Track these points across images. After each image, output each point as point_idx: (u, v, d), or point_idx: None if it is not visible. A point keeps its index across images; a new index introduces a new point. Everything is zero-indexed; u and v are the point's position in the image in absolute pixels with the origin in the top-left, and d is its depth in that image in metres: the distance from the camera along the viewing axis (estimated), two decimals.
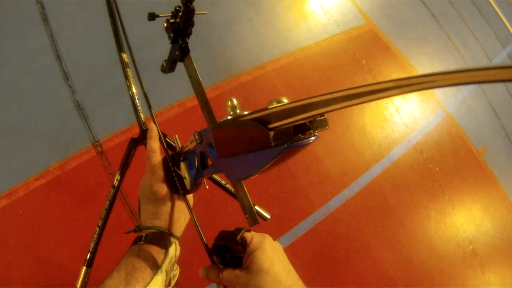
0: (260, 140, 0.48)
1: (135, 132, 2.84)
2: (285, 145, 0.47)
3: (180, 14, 0.88)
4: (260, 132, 0.48)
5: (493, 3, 6.92)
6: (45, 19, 3.26)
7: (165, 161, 0.86)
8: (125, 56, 1.46)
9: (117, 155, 2.77)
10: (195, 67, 0.93)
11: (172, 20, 0.90)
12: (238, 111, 0.57)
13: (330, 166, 3.27)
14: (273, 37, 3.82)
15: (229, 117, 0.57)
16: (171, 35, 0.92)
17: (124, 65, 1.45)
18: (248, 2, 3.95)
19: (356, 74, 3.93)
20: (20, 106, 2.88)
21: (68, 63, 3.11)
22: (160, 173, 0.84)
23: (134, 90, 1.42)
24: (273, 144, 0.47)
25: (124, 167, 1.47)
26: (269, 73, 3.50)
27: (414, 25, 5.03)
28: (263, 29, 3.79)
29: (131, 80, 1.44)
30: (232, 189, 1.26)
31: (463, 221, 3.72)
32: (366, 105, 3.76)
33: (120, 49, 1.45)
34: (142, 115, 1.39)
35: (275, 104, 0.48)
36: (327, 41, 4.03)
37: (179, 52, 0.94)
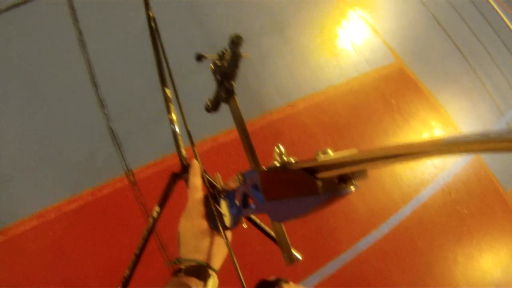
0: (309, 188, 0.51)
1: (168, 163, 2.89)
2: (331, 194, 0.50)
3: (227, 57, 0.90)
4: (309, 181, 0.50)
5: None
6: (82, 45, 3.35)
7: (206, 198, 0.89)
8: (168, 91, 1.48)
9: (149, 185, 2.82)
10: (240, 109, 0.94)
11: (219, 63, 0.93)
12: (285, 158, 0.59)
13: (359, 207, 3.26)
14: (305, 74, 3.86)
15: (277, 164, 0.59)
16: (218, 77, 0.95)
17: (167, 100, 1.47)
18: (282, 39, 4.01)
19: (386, 113, 3.93)
20: (56, 130, 2.93)
21: (104, 90, 3.17)
22: (202, 209, 0.87)
23: (177, 127, 1.43)
24: (320, 192, 0.49)
25: (164, 199, 1.45)
26: (300, 110, 3.53)
27: (443, 62, 5.04)
28: (296, 66, 3.84)
29: (174, 115, 1.46)
30: (267, 229, 1.29)
31: (490, 265, 3.67)
32: (392, 138, 3.81)
33: (163, 83, 1.48)
34: (183, 151, 1.40)
35: (321, 155, 0.50)
36: (357, 79, 4.06)
37: (225, 93, 0.96)
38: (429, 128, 4.13)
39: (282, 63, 3.83)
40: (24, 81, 3.16)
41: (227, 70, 0.91)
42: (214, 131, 3.13)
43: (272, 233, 1.41)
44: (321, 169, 0.49)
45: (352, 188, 0.51)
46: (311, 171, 0.50)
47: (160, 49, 1.43)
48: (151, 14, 1.49)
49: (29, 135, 2.91)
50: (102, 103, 3.11)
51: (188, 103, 1.50)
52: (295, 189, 0.54)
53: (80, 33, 3.42)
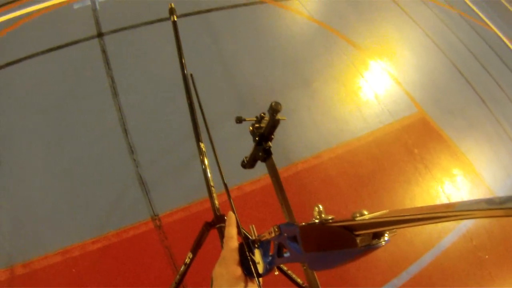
0: (348, 243, 0.59)
1: (194, 210, 3.05)
2: (367, 247, 0.58)
3: (265, 120, 1.02)
4: (348, 237, 0.58)
5: None
6: (115, 93, 3.60)
7: (240, 246, 0.93)
8: (202, 145, 1.61)
9: (175, 230, 2.94)
10: (276, 167, 1.05)
11: (257, 125, 1.04)
12: (323, 216, 0.66)
13: (380, 254, 3.31)
14: (330, 126, 4.05)
15: (316, 221, 0.66)
16: (257, 138, 1.04)
17: (202, 154, 1.59)
18: (308, 92, 4.24)
19: (408, 162, 4.06)
20: (85, 172, 3.12)
21: (135, 138, 3.37)
22: (236, 256, 0.90)
23: (211, 182, 1.57)
24: (359, 246, 0.58)
25: (196, 246, 1.60)
26: (325, 162, 3.71)
27: (464, 110, 5.14)
28: (320, 118, 4.04)
29: (208, 169, 1.58)
30: (293, 276, 1.46)
31: None
32: (417, 193, 3.90)
33: (198, 138, 1.60)
34: (216, 202, 1.54)
35: (358, 216, 0.58)
36: (380, 130, 4.22)
37: (263, 153, 1.06)
38: (451, 176, 4.21)
39: (307, 115, 4.04)
40: (57, 122, 3.40)
41: (265, 133, 1.03)
42: (239, 181, 3.32)
43: (299, 280, 1.60)
44: (360, 228, 0.57)
45: (384, 242, 0.59)
46: (350, 229, 0.58)
47: (194, 106, 1.58)
48: (188, 73, 1.67)
49: (59, 175, 3.10)
50: (132, 150, 3.30)
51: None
52: (335, 243, 0.62)
53: (112, 81, 3.70)
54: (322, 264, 0.67)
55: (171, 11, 1.92)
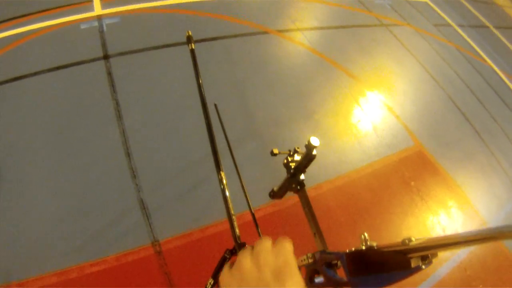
0: (402, 265, 0.65)
1: (195, 237, 3.09)
2: (418, 268, 0.64)
3: (299, 153, 1.08)
4: (402, 259, 0.65)
5: None
6: (119, 116, 3.68)
7: None
8: (223, 174, 1.61)
9: (175, 256, 2.96)
10: (309, 199, 1.07)
11: (291, 158, 1.09)
12: (369, 243, 0.72)
13: None
14: (329, 158, 4.17)
15: (363, 247, 0.72)
16: (291, 171, 1.08)
17: (223, 185, 1.59)
18: (308, 123, 4.39)
19: (406, 195, 4.18)
20: (87, 193, 3.15)
21: (137, 162, 3.43)
22: None
23: (232, 211, 1.55)
24: (412, 267, 0.64)
25: (217, 272, 1.58)
26: (324, 193, 3.82)
27: (460, 143, 5.28)
28: (321, 150, 4.16)
29: (229, 197, 1.57)
30: None
31: None
32: (413, 224, 4.01)
33: (219, 168, 1.60)
34: (237, 230, 1.54)
35: (407, 242, 0.65)
36: (378, 162, 4.36)
37: (297, 185, 1.09)
38: (447, 208, 4.30)
39: None
40: (60, 141, 3.44)
41: (300, 166, 1.07)
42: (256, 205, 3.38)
43: None
44: (411, 251, 0.64)
45: (429, 263, 0.66)
46: (403, 252, 0.65)
47: (214, 135, 1.58)
48: (211, 103, 1.68)
49: (60, 195, 3.12)
50: (134, 174, 3.34)
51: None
52: (387, 265, 0.67)
53: (117, 104, 3.78)
54: (371, 284, 0.71)
55: (189, 40, 1.97)
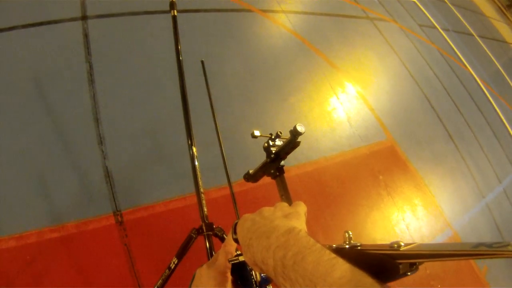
0: (390, 269, 0.62)
1: (158, 210, 2.99)
2: (405, 274, 0.62)
3: (282, 139, 1.04)
4: (392, 264, 0.62)
5: (508, 126, 7.23)
6: (91, 80, 3.51)
7: (239, 263, 0.90)
8: (195, 150, 1.61)
9: (136, 228, 2.87)
10: (287, 184, 1.03)
11: (272, 143, 1.03)
12: (352, 242, 0.70)
13: None
14: (302, 142, 4.08)
15: (346, 246, 0.70)
16: (272, 155, 1.03)
17: (193, 159, 1.59)
18: (283, 106, 4.30)
19: (373, 188, 4.14)
20: (49, 156, 3.00)
21: (106, 128, 3.27)
22: (229, 264, 0.86)
23: (201, 189, 1.56)
24: (401, 273, 0.61)
25: (182, 251, 1.56)
26: (292, 177, 3.73)
27: (432, 143, 5.30)
28: None
29: (199, 174, 1.58)
30: None
31: None
32: (378, 218, 3.97)
33: (191, 142, 1.61)
34: (205, 209, 1.54)
35: (396, 246, 0.63)
36: (349, 153, 4.30)
37: (276, 171, 1.04)
38: (412, 206, 4.31)
39: (280, 129, 4.04)
40: (26, 99, 3.27)
41: (281, 152, 1.02)
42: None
43: None
44: (401, 257, 0.61)
45: (415, 270, 0.63)
46: (392, 257, 0.62)
47: (188, 104, 1.58)
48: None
49: (21, 156, 2.96)
50: (101, 140, 3.20)
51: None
52: (373, 268, 0.63)
53: (90, 67, 3.60)
54: None
55: (172, 5, 1.99)
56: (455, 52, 7.85)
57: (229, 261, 0.86)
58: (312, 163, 3.98)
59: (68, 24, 3.90)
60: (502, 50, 10.54)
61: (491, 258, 0.52)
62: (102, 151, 3.16)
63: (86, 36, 3.83)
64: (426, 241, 4.18)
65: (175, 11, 1.84)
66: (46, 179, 2.93)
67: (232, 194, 1.20)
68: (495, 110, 7.24)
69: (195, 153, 1.56)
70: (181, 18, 4.51)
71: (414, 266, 0.62)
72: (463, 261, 4.28)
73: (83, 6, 4.08)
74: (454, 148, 5.54)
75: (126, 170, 3.16)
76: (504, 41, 11.70)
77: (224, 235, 1.48)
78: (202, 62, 1.56)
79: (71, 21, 3.93)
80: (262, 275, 0.88)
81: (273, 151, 1.04)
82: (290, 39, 5.20)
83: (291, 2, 5.89)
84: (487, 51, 9.21)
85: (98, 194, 2.95)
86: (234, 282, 0.87)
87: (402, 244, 0.63)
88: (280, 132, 1.04)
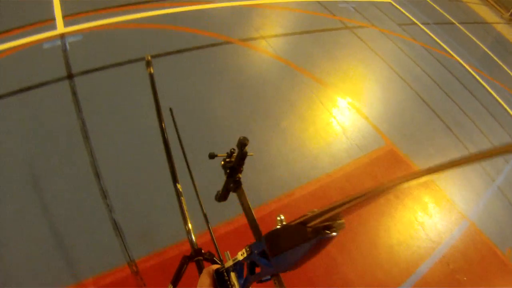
0: (302, 236, 0.64)
1: (172, 254, 3.01)
2: (318, 238, 0.63)
3: (235, 155, 1.09)
4: (302, 230, 0.64)
5: (505, 105, 7.24)
6: (86, 137, 3.58)
7: (217, 273, 0.98)
8: (179, 186, 1.67)
9: (152, 275, 2.89)
10: (247, 197, 1.07)
11: (228, 160, 1.10)
12: (284, 223, 0.73)
13: (358, 282, 3.39)
14: (300, 164, 4.14)
15: (278, 227, 0.73)
16: (227, 171, 1.10)
17: (179, 195, 1.67)
18: (276, 131, 4.36)
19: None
20: (58, 217, 3.05)
21: (107, 181, 3.34)
22: (209, 282, 0.96)
23: (188, 219, 1.64)
24: (310, 237, 0.63)
25: (176, 279, 1.63)
26: (297, 199, 3.78)
27: (432, 140, 5.33)
28: (291, 157, 4.14)
29: (185, 207, 1.65)
30: None
31: None
32: (390, 224, 3.98)
33: (175, 179, 1.68)
34: (194, 237, 1.63)
35: (309, 213, 0.64)
36: (350, 165, 4.33)
37: (234, 184, 1.11)
38: (423, 204, 4.32)
39: (277, 155, 4.13)
40: (27, 166, 3.34)
41: (235, 165, 1.09)
42: (230, 217, 3.33)
43: None
44: (311, 219, 0.63)
45: (334, 234, 0.64)
46: (304, 223, 0.64)
47: (170, 145, 1.66)
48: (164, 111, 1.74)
49: (31, 219, 3.02)
50: (104, 194, 3.25)
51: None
52: (293, 239, 0.66)
53: (83, 124, 3.67)
54: (287, 264, 0.72)
55: (148, 64, 1.99)
56: (439, 44, 7.92)
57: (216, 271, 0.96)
58: (315, 182, 4.02)
59: (55, 84, 4.01)
60: (485, 32, 10.61)
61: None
62: (108, 205, 3.21)
63: (74, 94, 3.92)
64: (443, 237, 4.18)
65: (151, 68, 1.90)
66: (58, 239, 2.97)
67: (211, 234, 1.27)
68: (489, 93, 7.26)
69: (179, 189, 1.65)
70: (164, 62, 4.64)
71: (332, 229, 0.64)
72: (485, 248, 4.27)
73: (68, 65, 4.20)
74: (455, 138, 5.55)
75: (133, 219, 3.21)
76: (486, 22, 11.78)
77: (214, 258, 1.56)
78: (171, 109, 1.64)
79: (58, 82, 4.05)
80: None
81: (228, 167, 1.11)
82: (273, 63, 5.30)
83: (268, 27, 6.01)
84: (471, 36, 9.28)
85: (110, 248, 2.99)
86: None
87: (316, 210, 0.65)
88: (233, 149, 1.10)
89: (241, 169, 1.11)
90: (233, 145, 1.07)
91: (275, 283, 0.93)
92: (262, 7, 6.49)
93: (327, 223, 0.63)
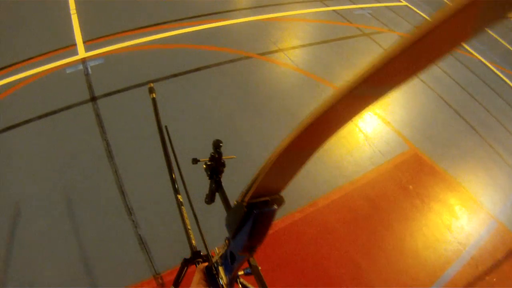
0: (241, 214, 0.68)
1: (193, 268, 3.12)
2: (255, 213, 0.67)
3: (215, 158, 1.17)
4: (240, 208, 0.68)
5: None
6: (110, 156, 3.76)
7: (208, 269, 1.05)
8: (180, 197, 1.80)
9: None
10: (227, 196, 1.14)
11: (209, 163, 1.17)
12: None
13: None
14: (323, 172, 4.22)
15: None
16: (209, 173, 1.18)
17: (179, 204, 1.80)
18: None
19: (405, 200, 4.21)
20: (87, 235, 3.22)
21: (132, 198, 3.50)
22: (201, 281, 1.04)
23: (188, 226, 1.80)
24: (245, 210, 0.67)
25: (177, 280, 1.78)
26: (321, 208, 3.86)
27: (456, 141, 5.31)
28: (313, 166, 4.21)
29: (185, 215, 1.79)
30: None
31: None
32: (416, 228, 4.01)
33: (176, 191, 1.80)
34: (193, 242, 1.77)
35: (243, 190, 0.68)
36: (373, 171, 4.39)
37: (215, 185, 1.18)
38: (449, 207, 4.32)
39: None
40: (55, 186, 3.55)
41: (215, 167, 1.17)
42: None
43: None
44: (246, 197, 0.67)
45: (272, 208, 0.68)
46: (239, 202, 0.69)
47: (171, 161, 1.75)
48: (164, 127, 1.84)
49: (60, 239, 3.20)
50: (130, 211, 3.42)
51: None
52: (237, 220, 0.70)
53: (107, 144, 3.87)
54: (243, 243, 0.76)
55: (150, 90, 2.12)
56: None
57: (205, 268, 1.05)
58: (338, 191, 4.09)
59: (79, 107, 4.23)
60: (505, 28, 10.46)
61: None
62: (133, 221, 3.37)
63: (98, 116, 4.12)
64: (471, 239, 4.16)
65: (154, 94, 2.06)
66: (85, 256, 3.13)
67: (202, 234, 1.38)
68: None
69: (180, 199, 1.80)
70: (183, 81, 4.77)
71: (269, 205, 0.69)
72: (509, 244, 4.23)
73: (90, 88, 4.39)
74: (480, 138, 5.52)
75: (158, 234, 3.34)
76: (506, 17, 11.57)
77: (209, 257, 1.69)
78: (166, 127, 1.75)
79: (82, 104, 4.27)
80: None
81: (209, 169, 1.18)
82: (293, 75, 5.41)
83: (286, 39, 6.11)
84: (491, 33, 9.16)
85: (136, 262, 3.14)
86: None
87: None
88: (213, 153, 1.17)
89: (221, 169, 1.18)
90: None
91: (252, 271, 1.11)
92: (279, 20, 6.60)
93: (264, 199, 0.68)
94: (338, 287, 3.33)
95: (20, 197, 3.44)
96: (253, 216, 0.68)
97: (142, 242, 3.26)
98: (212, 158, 1.17)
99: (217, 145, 1.13)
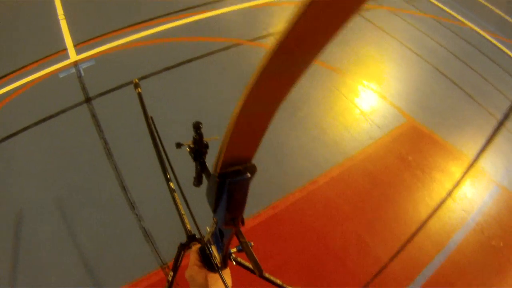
0: (214, 185, 0.70)
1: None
2: (228, 182, 0.69)
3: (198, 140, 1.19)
4: (213, 179, 0.70)
5: None
6: (109, 154, 3.80)
7: (201, 250, 1.08)
8: (172, 184, 1.86)
9: (184, 276, 2.99)
10: (209, 170, 1.17)
11: (192, 146, 1.18)
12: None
13: (392, 264, 3.45)
14: (321, 151, 4.23)
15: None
16: (192, 155, 1.20)
17: (171, 191, 1.85)
18: (293, 122, 4.46)
19: (405, 171, 4.21)
20: (90, 235, 3.26)
21: (133, 193, 3.55)
22: (197, 262, 1.07)
23: (182, 211, 1.84)
24: (217, 180, 0.69)
25: (175, 265, 1.83)
26: (321, 186, 3.87)
27: (454, 110, 5.29)
28: (311, 145, 4.23)
29: (178, 200, 1.85)
30: (247, 264, 1.64)
31: None
32: (419, 198, 4.01)
33: (167, 179, 1.86)
34: (188, 226, 1.82)
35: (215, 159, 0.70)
36: (372, 146, 4.40)
37: (200, 166, 1.21)
38: (451, 175, 4.33)
39: (297, 145, 4.23)
40: (58, 188, 3.58)
41: (198, 149, 1.19)
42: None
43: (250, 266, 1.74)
44: (217, 168, 0.69)
45: (244, 177, 0.70)
46: (221, 175, 0.70)
47: (161, 149, 1.74)
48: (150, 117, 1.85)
49: (67, 238, 3.25)
50: (132, 205, 3.46)
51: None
52: (213, 192, 0.73)
53: (105, 142, 3.91)
54: (222, 214, 0.78)
55: (136, 85, 2.14)
56: (451, 14, 7.80)
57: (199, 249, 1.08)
58: (337, 168, 4.10)
59: (75, 110, 4.26)
60: None
61: None
62: (136, 215, 3.41)
63: (94, 116, 4.16)
64: (475, 205, 4.15)
65: (139, 89, 2.07)
66: (93, 252, 3.19)
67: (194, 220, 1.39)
68: (509, 56, 7.12)
69: (172, 186, 1.86)
70: (178, 73, 4.76)
71: (242, 173, 0.71)
72: None
73: (84, 89, 4.42)
74: (478, 106, 5.48)
75: (162, 226, 3.38)
76: None
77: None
78: (151, 117, 1.75)
79: (77, 106, 4.29)
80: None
81: (193, 151, 1.19)
82: None
83: (276, 23, 6.08)
84: (483, 1, 9.08)
85: (142, 254, 3.19)
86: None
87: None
88: (196, 136, 1.18)
89: (205, 151, 1.20)
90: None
91: (242, 247, 1.15)
92: (268, 5, 6.56)
93: (235, 168, 0.70)
94: (344, 261, 3.34)
95: (24, 202, 3.48)
96: (227, 186, 0.70)
97: (146, 234, 3.30)
98: (194, 141, 1.18)
99: (197, 126, 1.14)
